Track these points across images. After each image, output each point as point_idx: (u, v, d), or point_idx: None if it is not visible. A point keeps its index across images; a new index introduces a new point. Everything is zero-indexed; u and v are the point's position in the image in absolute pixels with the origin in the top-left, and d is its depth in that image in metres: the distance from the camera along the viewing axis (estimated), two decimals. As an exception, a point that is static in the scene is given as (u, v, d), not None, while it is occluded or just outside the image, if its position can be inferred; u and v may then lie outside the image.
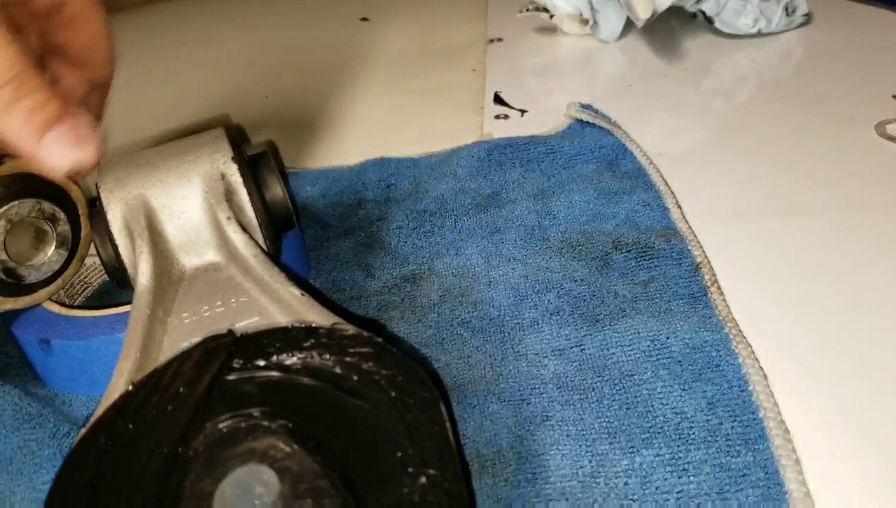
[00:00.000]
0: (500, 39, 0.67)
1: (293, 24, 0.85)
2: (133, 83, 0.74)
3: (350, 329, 0.26)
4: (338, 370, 0.24)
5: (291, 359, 0.25)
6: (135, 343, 0.26)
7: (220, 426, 0.22)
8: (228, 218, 0.30)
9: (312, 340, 0.25)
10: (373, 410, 0.23)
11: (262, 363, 0.25)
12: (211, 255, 0.30)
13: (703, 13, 0.59)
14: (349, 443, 0.22)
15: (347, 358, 0.24)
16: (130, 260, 0.29)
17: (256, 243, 0.30)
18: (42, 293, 0.35)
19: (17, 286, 0.34)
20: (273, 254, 0.32)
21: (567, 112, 0.50)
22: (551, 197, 0.42)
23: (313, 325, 0.26)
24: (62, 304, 0.35)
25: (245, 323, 0.27)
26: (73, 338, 0.33)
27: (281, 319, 0.27)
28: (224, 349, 0.25)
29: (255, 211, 0.31)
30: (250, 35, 0.86)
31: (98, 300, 0.39)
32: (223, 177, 0.30)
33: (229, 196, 0.30)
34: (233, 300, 0.28)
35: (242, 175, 0.31)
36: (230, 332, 0.26)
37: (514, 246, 0.39)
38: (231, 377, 0.24)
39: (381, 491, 0.20)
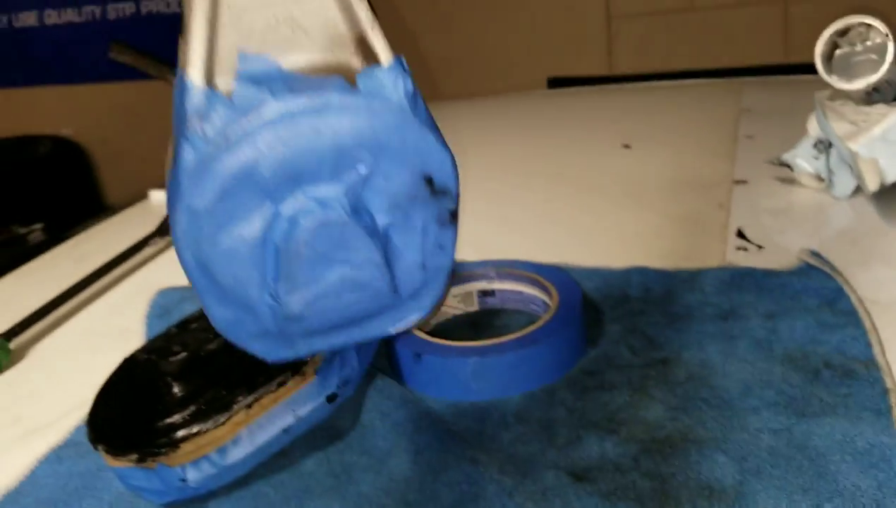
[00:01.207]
0: (744, 181, 0.80)
1: (566, 144, 1.03)
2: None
3: None
4: None
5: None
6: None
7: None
8: None
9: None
10: None
11: None
12: None
13: (929, 188, 0.70)
14: None
15: None
16: None
17: None
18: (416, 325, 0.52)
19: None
20: None
21: (799, 254, 0.62)
22: (778, 320, 0.55)
23: None
24: (426, 333, 0.53)
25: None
26: (438, 356, 0.50)
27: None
28: None
29: None
30: (530, 143, 1.05)
31: (437, 334, 0.56)
32: None
33: None
34: None
35: None
36: None
37: (746, 351, 0.52)
38: None
39: None
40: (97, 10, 2.82)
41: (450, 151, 0.37)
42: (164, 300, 0.64)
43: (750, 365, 0.50)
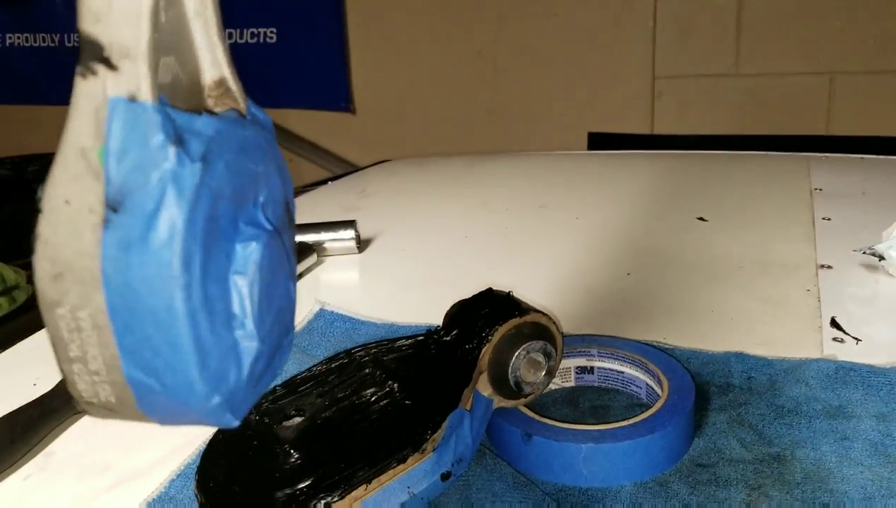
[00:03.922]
0: (829, 266, 0.79)
1: (635, 209, 1.03)
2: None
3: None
4: None
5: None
6: None
7: None
8: None
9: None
10: None
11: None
12: None
13: None
14: None
15: None
16: None
17: None
18: (523, 401, 0.51)
19: (516, 394, 0.50)
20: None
21: (903, 353, 0.61)
22: (890, 422, 0.53)
23: None
24: (534, 412, 0.52)
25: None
26: (549, 438, 0.49)
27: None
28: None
29: None
30: (593, 210, 1.04)
31: (533, 408, 0.55)
32: None
33: None
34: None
35: None
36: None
37: (861, 454, 0.50)
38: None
39: None
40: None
41: None
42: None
43: (868, 469, 0.49)
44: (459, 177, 1.34)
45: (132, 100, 0.30)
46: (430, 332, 0.52)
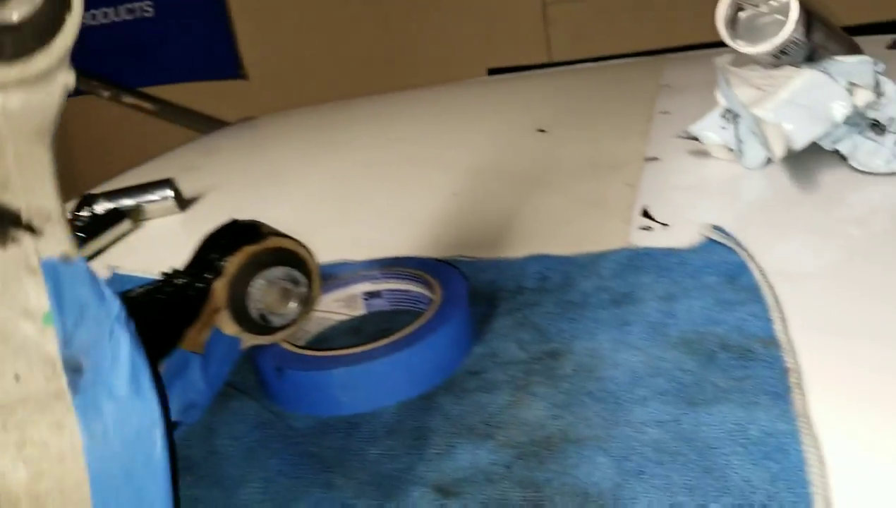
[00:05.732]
0: (656, 158, 0.77)
1: (481, 131, 0.99)
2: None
3: None
4: None
5: None
6: None
7: None
8: None
9: None
10: None
11: None
12: None
13: (839, 152, 0.67)
14: None
15: None
16: None
17: None
18: (280, 334, 0.48)
19: (266, 328, 0.47)
20: None
21: (700, 231, 0.59)
22: (676, 300, 0.51)
23: None
24: (293, 344, 0.48)
25: None
26: (300, 369, 0.45)
27: None
28: None
29: None
30: (444, 137, 1.01)
31: (315, 344, 0.52)
32: None
33: None
34: None
35: None
36: None
37: (638, 337, 0.48)
38: None
39: None
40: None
41: None
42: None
43: (642, 352, 0.47)
44: (322, 127, 1.29)
45: (66, 260, 0.30)
46: (168, 275, 0.48)
